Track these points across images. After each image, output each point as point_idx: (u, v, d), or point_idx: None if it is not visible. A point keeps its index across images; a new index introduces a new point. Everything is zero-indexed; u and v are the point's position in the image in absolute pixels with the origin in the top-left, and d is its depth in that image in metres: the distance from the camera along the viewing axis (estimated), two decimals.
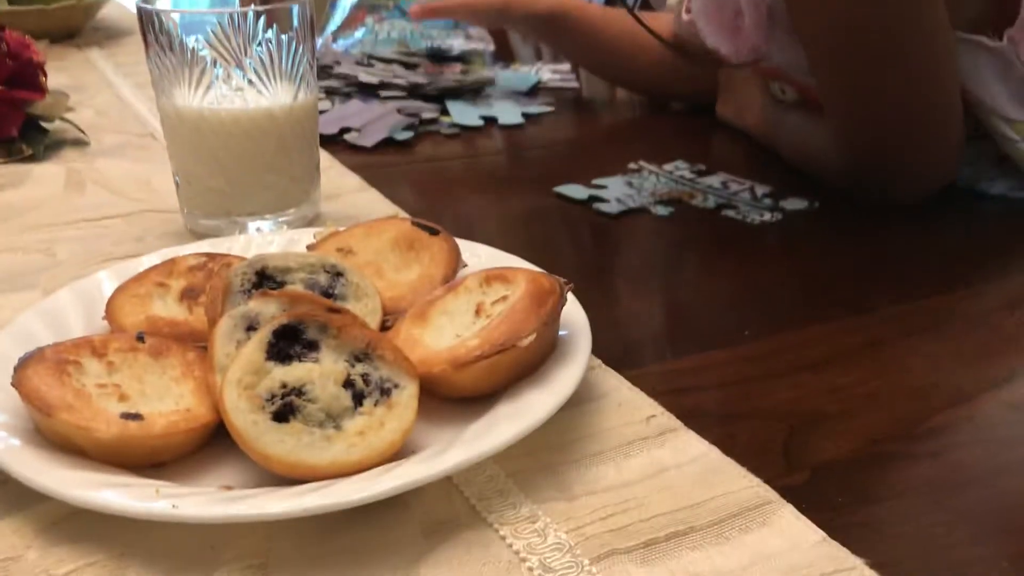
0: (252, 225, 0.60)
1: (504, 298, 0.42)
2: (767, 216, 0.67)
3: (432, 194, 0.75)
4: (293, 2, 0.57)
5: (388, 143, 0.83)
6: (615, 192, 0.71)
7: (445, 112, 0.92)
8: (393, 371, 0.38)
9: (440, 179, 0.79)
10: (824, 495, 0.37)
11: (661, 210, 0.68)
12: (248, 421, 0.35)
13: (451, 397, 0.40)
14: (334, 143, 0.82)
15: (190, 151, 0.59)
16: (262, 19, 0.56)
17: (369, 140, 0.83)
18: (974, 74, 0.66)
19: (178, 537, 0.33)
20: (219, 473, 0.36)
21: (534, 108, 0.94)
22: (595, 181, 0.73)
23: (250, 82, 0.57)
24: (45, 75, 0.80)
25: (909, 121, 0.66)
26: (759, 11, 0.70)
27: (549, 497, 0.36)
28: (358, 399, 0.37)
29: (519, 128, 0.90)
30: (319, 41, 1.10)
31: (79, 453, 0.35)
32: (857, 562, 0.33)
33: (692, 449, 0.39)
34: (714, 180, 0.74)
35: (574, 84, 1.07)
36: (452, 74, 1.00)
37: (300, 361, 0.37)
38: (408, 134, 0.85)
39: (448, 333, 0.42)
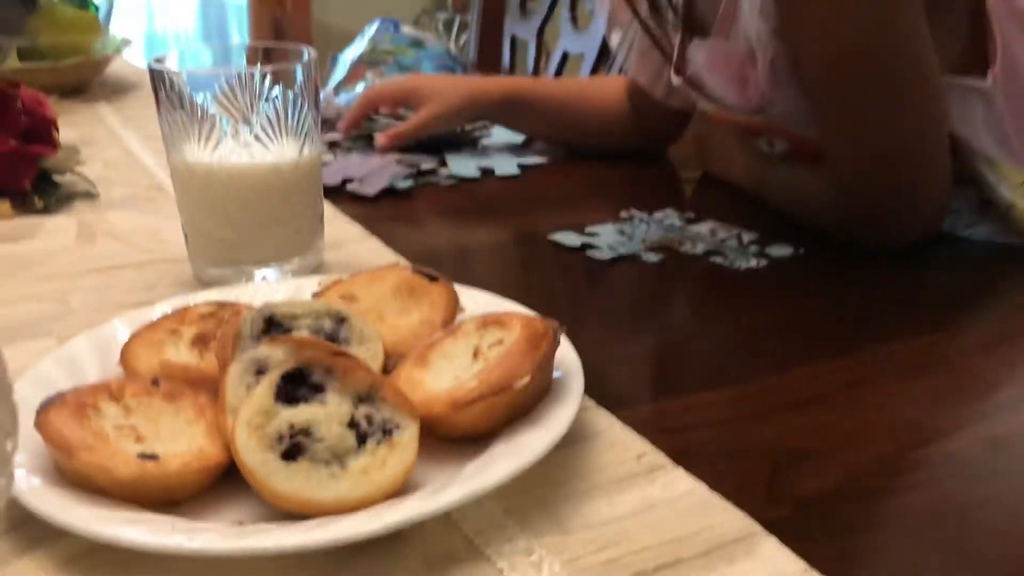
0: (259, 274, 0.62)
1: (500, 341, 0.44)
2: (753, 262, 0.69)
3: (431, 242, 0.77)
4: (298, 62, 0.60)
5: (389, 193, 0.85)
6: (607, 239, 0.73)
7: (444, 163, 0.94)
8: (395, 412, 0.39)
9: (439, 228, 0.81)
10: (806, 528, 0.39)
11: (651, 257, 0.70)
12: (259, 460, 0.37)
13: (450, 437, 0.42)
14: (337, 194, 0.84)
15: (200, 204, 0.61)
16: (268, 78, 0.58)
17: (370, 188, 0.84)
18: (960, 116, 0.69)
19: (193, 571, 0.35)
20: (231, 510, 0.38)
21: (529, 159, 0.97)
22: (588, 229, 0.75)
23: (257, 138, 0.59)
24: (57, 130, 0.83)
25: (906, 159, 0.68)
26: (765, 61, 0.73)
27: (545, 531, 0.38)
28: (362, 439, 0.38)
29: (515, 179, 0.92)
30: (322, 95, 1.13)
31: (98, 492, 0.37)
32: None
33: (681, 485, 0.41)
34: (702, 228, 0.76)
35: None
36: None
37: (307, 403, 0.39)
38: (408, 183, 0.87)
39: (447, 376, 0.44)
